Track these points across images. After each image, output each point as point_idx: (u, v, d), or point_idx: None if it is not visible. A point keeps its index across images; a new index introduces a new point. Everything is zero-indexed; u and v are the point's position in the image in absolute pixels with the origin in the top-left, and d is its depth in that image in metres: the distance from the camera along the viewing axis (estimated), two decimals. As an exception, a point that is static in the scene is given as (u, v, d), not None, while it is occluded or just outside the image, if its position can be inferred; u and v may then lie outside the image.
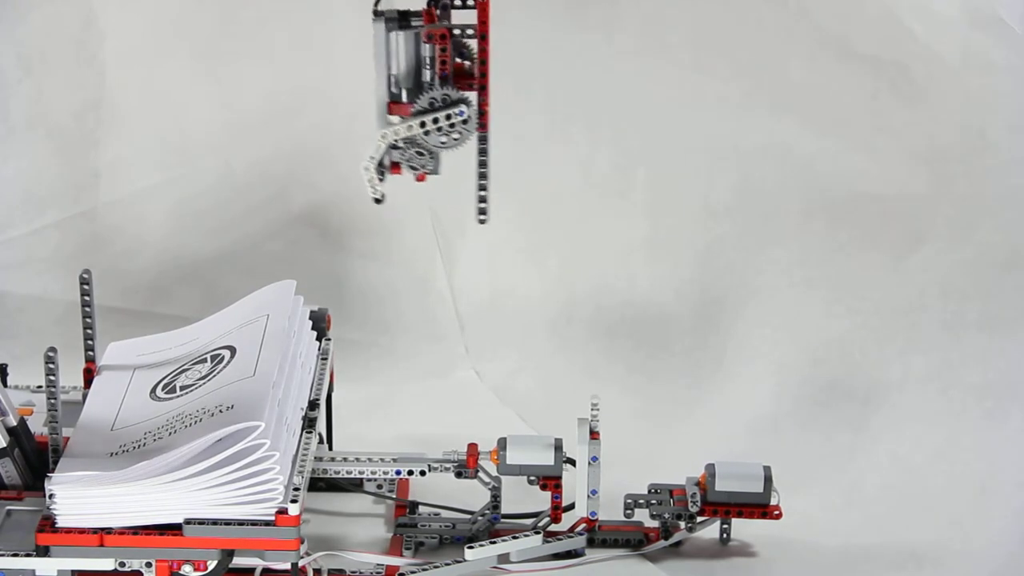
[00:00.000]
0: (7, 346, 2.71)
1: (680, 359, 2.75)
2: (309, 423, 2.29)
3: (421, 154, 2.14)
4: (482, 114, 2.12)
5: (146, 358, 2.37)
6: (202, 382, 2.25)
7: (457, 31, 2.11)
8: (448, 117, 2.11)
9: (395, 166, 2.16)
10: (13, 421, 2.22)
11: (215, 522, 2.11)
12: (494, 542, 2.27)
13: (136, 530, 2.12)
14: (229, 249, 2.89)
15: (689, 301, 2.79)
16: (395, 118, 2.13)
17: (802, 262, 2.75)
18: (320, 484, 2.43)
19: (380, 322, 2.86)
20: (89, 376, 2.35)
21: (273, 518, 2.12)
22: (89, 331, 2.34)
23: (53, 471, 2.13)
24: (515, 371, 2.79)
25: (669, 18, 2.79)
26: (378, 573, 2.27)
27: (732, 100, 2.79)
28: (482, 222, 2.18)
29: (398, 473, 2.34)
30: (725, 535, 2.35)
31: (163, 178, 2.92)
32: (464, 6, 2.11)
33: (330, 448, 2.47)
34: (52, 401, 2.16)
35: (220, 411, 2.15)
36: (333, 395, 2.46)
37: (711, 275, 2.79)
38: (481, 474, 2.34)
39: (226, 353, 2.29)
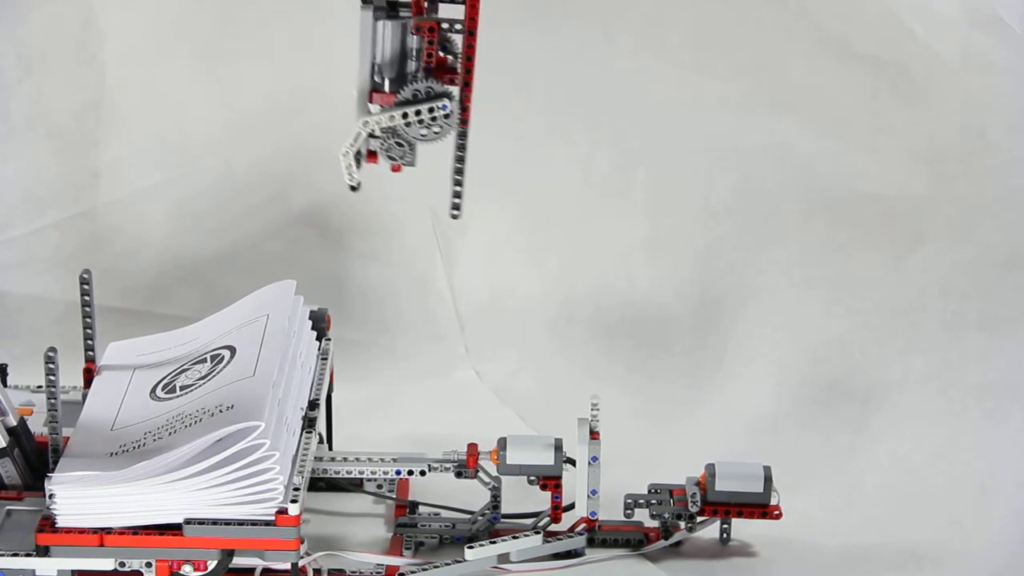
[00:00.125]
0: (7, 346, 2.71)
1: (680, 359, 2.75)
2: (309, 423, 2.29)
3: (400, 145, 2.13)
4: (464, 110, 2.12)
5: (146, 358, 2.37)
6: (202, 382, 2.25)
7: (445, 25, 2.10)
8: (431, 110, 2.11)
9: (372, 155, 2.15)
10: (13, 421, 2.22)
11: (215, 522, 2.11)
12: (494, 542, 2.27)
13: (136, 530, 2.12)
14: (229, 249, 2.89)
15: (689, 301, 2.79)
16: (376, 107, 2.13)
17: (802, 262, 2.75)
18: (320, 484, 2.43)
19: (380, 322, 2.85)
20: (89, 376, 2.35)
21: (273, 518, 2.12)
22: (89, 331, 2.34)
23: (53, 471, 2.13)
24: (515, 371, 2.79)
25: (669, 18, 2.79)
26: (378, 573, 2.27)
27: (732, 100, 2.79)
28: (455, 217, 2.18)
29: (398, 473, 2.34)
30: (725, 535, 2.35)
31: (163, 178, 2.92)
32: (453, 1, 2.10)
33: (330, 448, 2.47)
34: (52, 401, 2.16)
35: (220, 411, 2.15)
36: (333, 395, 2.46)
37: (711, 275, 2.79)
38: (481, 474, 2.34)
39: (226, 353, 2.29)
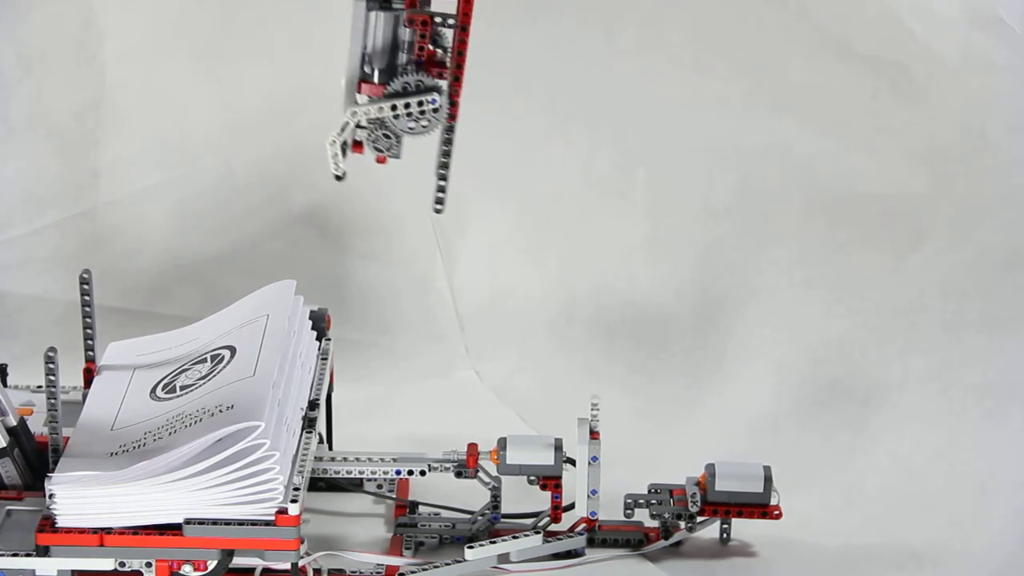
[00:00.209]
0: (7, 346, 2.71)
1: (680, 359, 2.75)
2: (309, 423, 2.29)
3: (388, 137, 2.13)
4: (453, 104, 2.12)
5: (146, 358, 2.37)
6: (202, 382, 2.25)
7: (438, 19, 2.10)
8: (420, 104, 2.10)
9: (358, 145, 2.15)
10: (13, 421, 2.22)
11: (215, 522, 2.11)
12: (494, 542, 2.27)
13: (136, 530, 2.12)
14: (229, 249, 2.89)
15: (689, 301, 2.79)
16: (364, 97, 2.12)
17: (802, 262, 2.75)
18: (320, 484, 2.43)
19: (380, 322, 2.85)
20: (89, 376, 2.35)
21: (273, 518, 2.12)
22: (89, 331, 2.34)
23: (53, 471, 2.13)
24: (515, 371, 2.79)
25: (669, 18, 2.79)
26: (378, 573, 2.27)
27: (732, 100, 2.79)
28: (438, 211, 2.17)
29: (398, 473, 2.34)
30: (725, 535, 2.35)
31: (163, 178, 2.92)
32: None
33: (330, 448, 2.47)
34: (52, 401, 2.15)
35: (220, 411, 2.15)
36: (333, 395, 2.46)
37: (711, 275, 2.79)
38: (481, 474, 2.34)
39: (226, 353, 2.29)
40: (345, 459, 2.36)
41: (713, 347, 2.74)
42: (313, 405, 2.32)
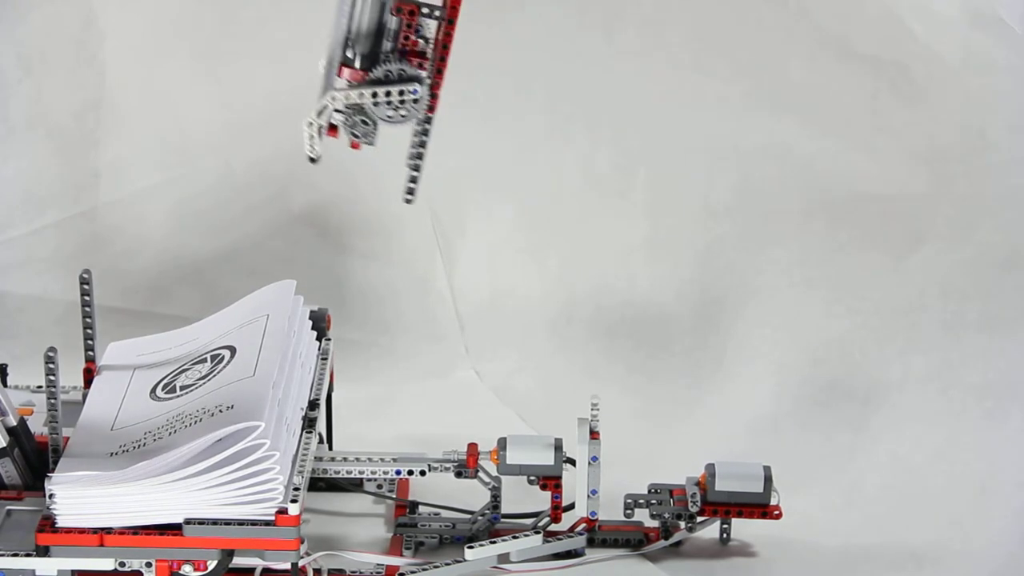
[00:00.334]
0: (7, 346, 2.71)
1: (680, 359, 2.75)
2: (309, 423, 2.29)
3: (365, 123, 2.12)
4: (433, 96, 2.12)
5: (146, 358, 2.37)
6: (202, 382, 2.25)
7: (425, 9, 2.09)
8: (401, 93, 2.10)
9: (332, 128, 2.14)
10: (13, 421, 2.22)
11: (215, 522, 2.11)
12: (494, 542, 2.27)
13: (136, 530, 2.12)
14: (229, 249, 2.89)
15: (689, 301, 2.79)
16: (343, 81, 2.12)
17: (802, 262, 2.75)
18: (320, 484, 2.43)
19: (380, 322, 2.85)
20: (89, 376, 2.35)
21: (273, 518, 2.12)
22: (89, 331, 2.34)
23: (53, 471, 2.13)
24: (515, 371, 2.79)
25: (669, 18, 2.79)
26: (378, 573, 2.27)
27: (732, 100, 2.79)
28: (408, 201, 2.17)
29: (398, 473, 2.34)
30: (725, 535, 2.35)
31: (163, 178, 2.92)
32: None
33: (330, 448, 2.47)
34: (52, 401, 2.15)
35: (220, 411, 2.15)
36: (333, 395, 2.46)
37: (711, 275, 2.79)
38: (481, 474, 2.34)
39: (226, 353, 2.29)
40: (345, 459, 2.36)
41: (713, 347, 2.74)
42: (313, 405, 2.32)
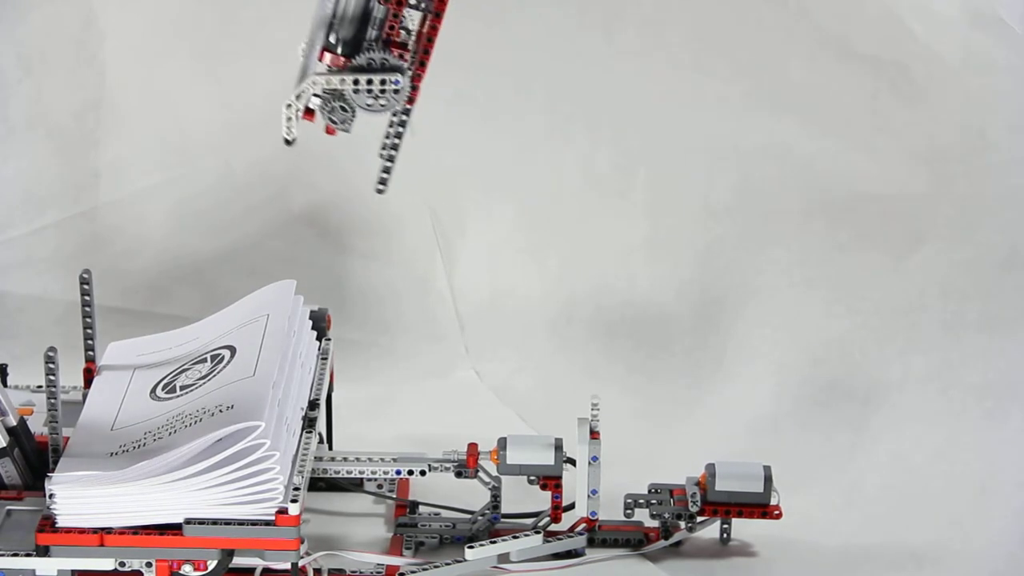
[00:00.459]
0: (7, 346, 2.71)
1: (680, 359, 2.75)
2: (309, 423, 2.29)
3: (344, 110, 2.12)
4: (413, 88, 2.12)
5: (146, 358, 2.37)
6: (202, 382, 2.25)
7: (412, 0, 2.09)
8: (383, 82, 2.10)
9: (309, 112, 2.14)
10: (13, 421, 2.22)
11: (215, 522, 2.11)
12: (494, 542, 2.27)
13: (136, 530, 2.12)
14: (229, 249, 2.89)
15: (689, 301, 2.79)
16: (323, 66, 2.12)
17: (802, 262, 2.75)
18: (320, 484, 2.43)
19: (380, 322, 2.85)
20: (89, 376, 2.35)
21: (273, 518, 2.12)
22: (89, 331, 2.34)
23: (53, 471, 2.13)
24: (515, 371, 2.79)
25: (669, 18, 2.79)
26: (378, 573, 2.27)
27: (732, 100, 2.79)
28: (380, 191, 2.17)
29: (398, 473, 2.34)
30: (725, 535, 2.35)
31: (163, 178, 2.92)
32: None
33: (330, 448, 2.47)
34: (52, 401, 2.15)
35: (220, 411, 2.15)
36: (333, 395, 2.46)
37: (711, 275, 2.79)
38: (481, 474, 2.34)
39: (226, 353, 2.28)
40: (345, 459, 2.36)
41: (713, 347, 2.74)
42: (313, 405, 2.32)
